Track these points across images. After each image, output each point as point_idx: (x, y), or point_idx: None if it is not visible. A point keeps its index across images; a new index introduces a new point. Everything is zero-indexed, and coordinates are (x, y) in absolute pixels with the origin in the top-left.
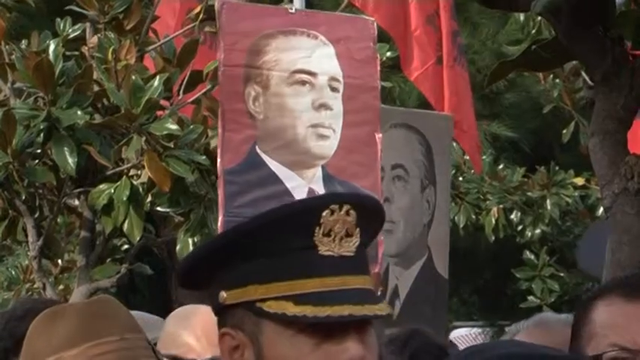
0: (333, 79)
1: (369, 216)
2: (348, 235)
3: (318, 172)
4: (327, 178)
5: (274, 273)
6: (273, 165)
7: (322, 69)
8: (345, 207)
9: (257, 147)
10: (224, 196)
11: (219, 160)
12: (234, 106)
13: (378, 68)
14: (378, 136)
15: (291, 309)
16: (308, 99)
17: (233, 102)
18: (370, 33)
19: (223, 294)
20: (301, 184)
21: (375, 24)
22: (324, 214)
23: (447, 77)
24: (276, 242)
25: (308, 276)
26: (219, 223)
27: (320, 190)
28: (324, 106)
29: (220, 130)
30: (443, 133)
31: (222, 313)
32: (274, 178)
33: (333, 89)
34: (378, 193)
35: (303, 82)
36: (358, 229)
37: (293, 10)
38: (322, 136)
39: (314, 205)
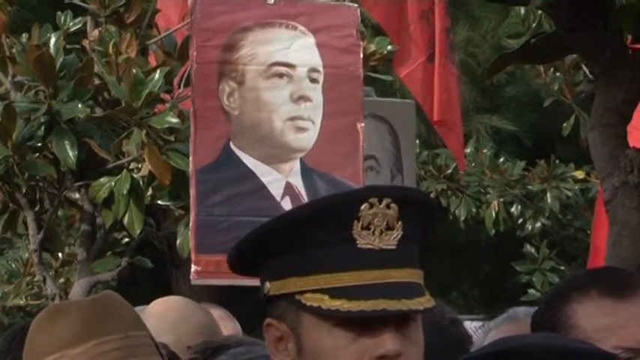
0: (312, 70)
1: (414, 209)
2: (389, 228)
3: (296, 165)
4: (305, 172)
5: (312, 266)
6: (249, 161)
7: (301, 60)
8: (386, 200)
9: (231, 143)
10: (195, 196)
11: (190, 159)
12: (208, 104)
13: (361, 56)
14: (360, 125)
15: (327, 302)
16: (286, 92)
17: (206, 99)
18: (353, 20)
19: (267, 284)
20: (278, 179)
21: (359, 10)
22: (362, 207)
23: (439, 75)
24: (315, 235)
25: (345, 269)
26: (191, 224)
27: (298, 184)
28: (303, 98)
29: (193, 129)
30: (408, 119)
31: (268, 303)
32: (250, 174)
33: (313, 80)
34: (359, 183)
35: (281, 75)
36: (400, 223)
37: (272, 1)
38: (301, 129)
39: (352, 199)
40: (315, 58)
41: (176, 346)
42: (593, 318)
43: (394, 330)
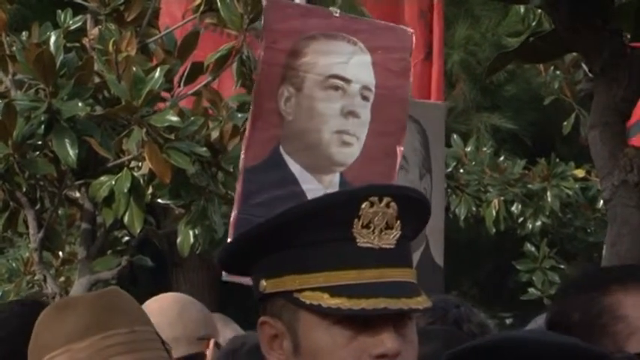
0: (365, 87)
1: (412, 208)
2: (389, 227)
3: (335, 178)
4: (343, 186)
5: (312, 264)
6: (294, 166)
7: (357, 76)
8: (386, 199)
9: (281, 147)
10: (242, 193)
11: (242, 156)
12: (266, 105)
13: (411, 80)
14: (400, 148)
15: (327, 300)
16: (338, 105)
17: (266, 101)
18: (408, 44)
19: (263, 282)
20: (318, 188)
21: (414, 36)
22: (363, 205)
23: (438, 74)
24: (314, 233)
25: (345, 267)
26: (232, 219)
27: None
28: (352, 114)
29: (249, 127)
30: (437, 122)
31: (263, 301)
32: (292, 179)
33: (364, 98)
34: None
35: (336, 88)
36: (399, 222)
37: (337, 14)
38: (346, 143)
39: (353, 197)
40: (369, 77)
41: (179, 340)
42: None
43: (393, 329)
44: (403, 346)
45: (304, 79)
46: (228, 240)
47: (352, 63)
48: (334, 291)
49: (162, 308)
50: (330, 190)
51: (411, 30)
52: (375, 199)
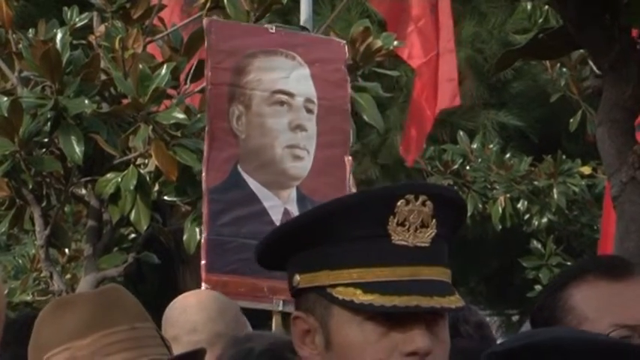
0: (308, 100)
1: (447, 207)
2: (424, 225)
3: (292, 192)
4: (300, 199)
5: (346, 259)
6: (253, 184)
7: (299, 90)
8: (422, 197)
9: (239, 166)
10: (208, 215)
11: (203, 178)
12: (220, 125)
13: (349, 91)
14: (348, 158)
15: (360, 296)
16: (285, 119)
17: (219, 120)
18: (341, 55)
19: (297, 277)
20: (277, 204)
21: (346, 47)
22: (399, 203)
23: (449, 64)
24: (349, 229)
25: (379, 264)
26: (202, 241)
27: (294, 210)
28: (299, 127)
29: (206, 149)
30: None
31: (297, 296)
32: (253, 198)
33: (309, 110)
34: None
35: (282, 103)
36: (434, 220)
37: (273, 30)
38: (297, 157)
39: (389, 194)
40: (310, 89)
41: (221, 336)
42: (590, 299)
43: (425, 327)
44: (435, 345)
45: (252, 97)
46: (202, 262)
47: (293, 77)
48: (367, 287)
49: (202, 304)
50: (289, 205)
51: (343, 41)
52: (410, 197)
